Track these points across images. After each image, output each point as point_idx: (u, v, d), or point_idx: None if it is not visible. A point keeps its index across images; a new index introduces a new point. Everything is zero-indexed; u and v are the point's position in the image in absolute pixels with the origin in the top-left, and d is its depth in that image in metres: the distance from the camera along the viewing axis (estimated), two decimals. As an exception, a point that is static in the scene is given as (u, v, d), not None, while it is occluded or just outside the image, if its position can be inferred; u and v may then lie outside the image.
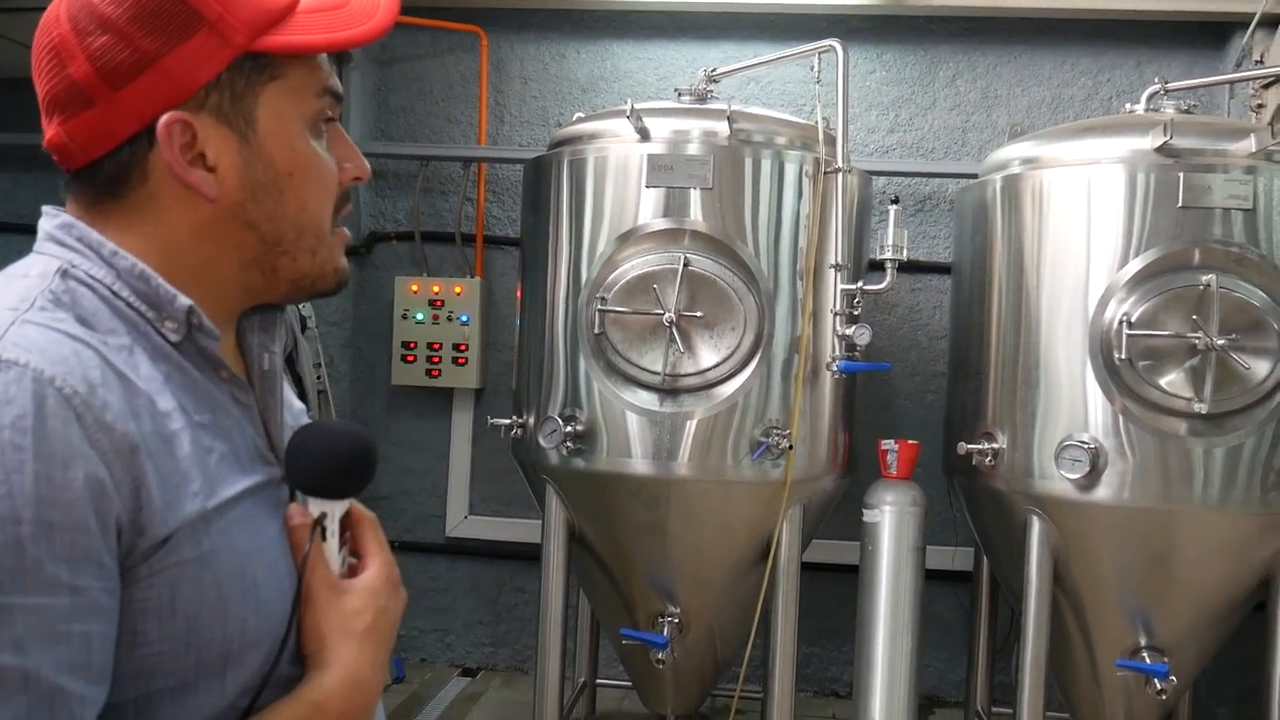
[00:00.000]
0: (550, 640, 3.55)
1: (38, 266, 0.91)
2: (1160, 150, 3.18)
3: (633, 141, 3.40)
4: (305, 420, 1.11)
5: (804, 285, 3.37)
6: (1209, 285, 3.07)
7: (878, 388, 4.54)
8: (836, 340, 3.33)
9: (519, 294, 3.84)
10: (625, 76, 4.87)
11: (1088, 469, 3.18)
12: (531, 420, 3.56)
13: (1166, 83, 3.63)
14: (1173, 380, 3.13)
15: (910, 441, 3.58)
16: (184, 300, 0.92)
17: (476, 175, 4.84)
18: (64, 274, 0.89)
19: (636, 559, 3.52)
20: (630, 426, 3.35)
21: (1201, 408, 3.10)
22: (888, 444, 3.56)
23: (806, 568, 3.59)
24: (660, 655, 3.46)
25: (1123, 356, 3.14)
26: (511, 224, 4.82)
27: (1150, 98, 3.61)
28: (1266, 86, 4.29)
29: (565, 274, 3.49)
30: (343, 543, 0.98)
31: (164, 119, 0.89)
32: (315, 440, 0.96)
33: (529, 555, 4.05)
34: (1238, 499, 3.18)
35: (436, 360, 4.70)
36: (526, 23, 4.88)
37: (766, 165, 3.39)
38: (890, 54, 4.77)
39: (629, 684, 3.89)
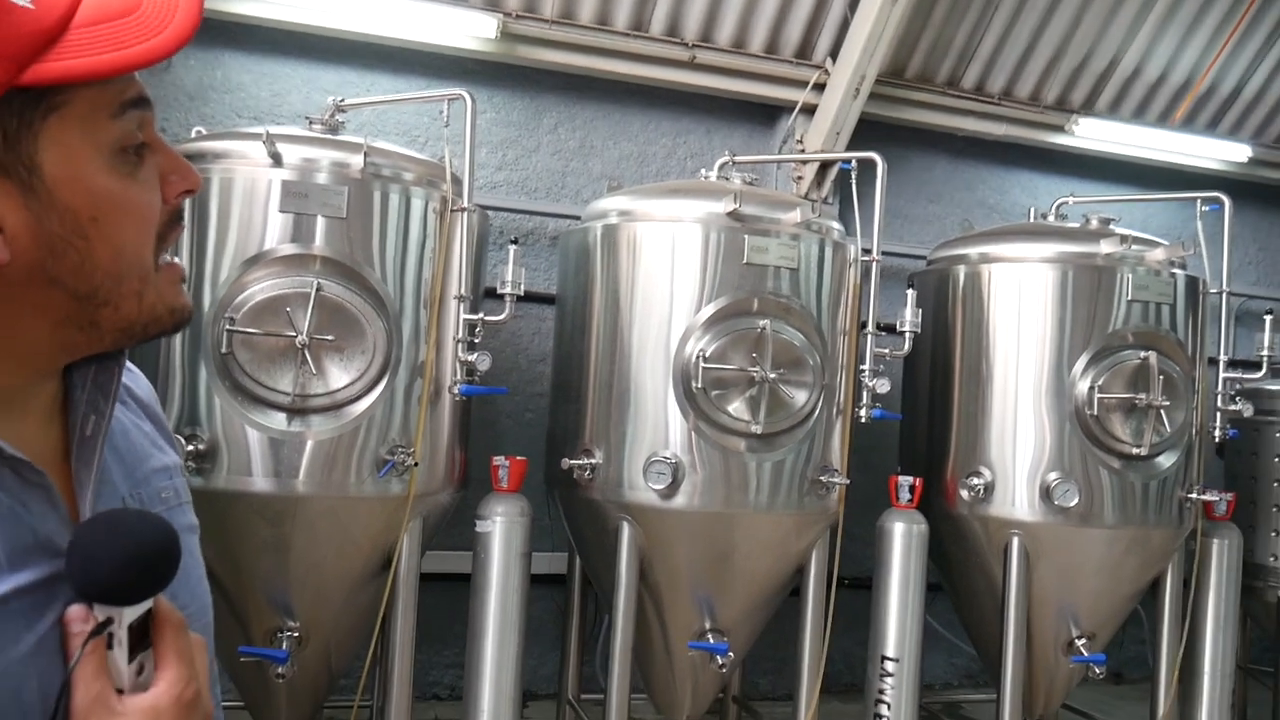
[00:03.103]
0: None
1: None
2: (731, 215, 3.82)
3: (264, 165, 3.45)
4: (163, 480, 1.01)
5: (429, 313, 3.61)
6: (764, 329, 3.75)
7: (484, 407, 4.87)
8: (459, 365, 3.62)
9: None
10: (237, 89, 4.81)
11: (670, 480, 3.73)
12: (143, 439, 3.46)
13: (734, 156, 4.33)
14: (737, 406, 3.77)
15: (519, 458, 3.93)
16: None
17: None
18: None
19: (256, 576, 3.54)
20: (254, 445, 3.39)
21: (757, 428, 3.77)
22: (499, 460, 3.89)
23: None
24: (280, 670, 3.52)
25: (698, 385, 3.73)
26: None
27: (721, 167, 4.29)
28: (804, 163, 5.23)
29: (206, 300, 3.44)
30: (140, 649, 0.84)
31: None
32: (99, 536, 0.82)
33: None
34: (781, 503, 3.89)
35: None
36: (129, 21, 4.65)
37: (395, 199, 3.59)
38: (500, 97, 5.15)
39: (240, 703, 3.87)
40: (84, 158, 0.79)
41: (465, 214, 3.66)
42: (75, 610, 0.81)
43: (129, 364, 0.97)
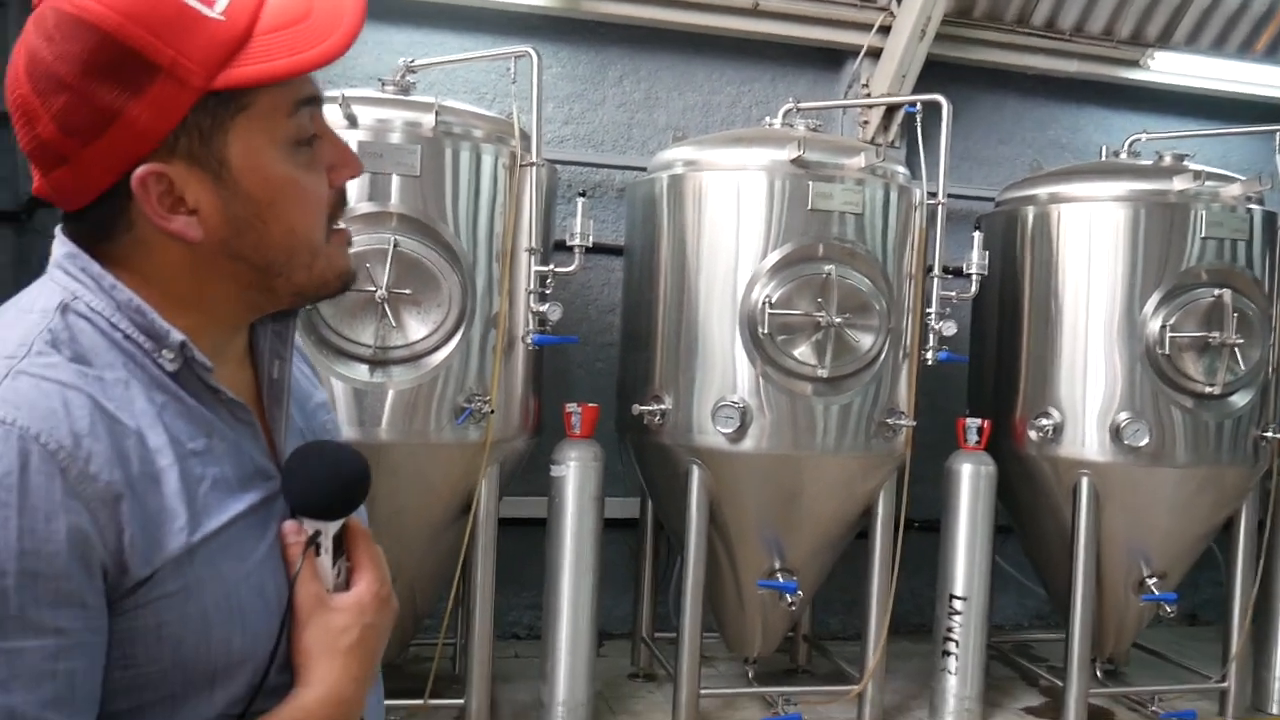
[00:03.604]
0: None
1: (42, 299, 0.93)
2: (794, 162, 3.85)
3: (340, 127, 3.56)
4: (324, 415, 1.18)
5: (500, 266, 3.73)
6: (830, 274, 3.79)
7: (556, 357, 5.00)
8: (531, 316, 3.73)
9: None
10: (311, 52, 4.92)
11: (738, 424, 3.82)
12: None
13: (799, 103, 4.35)
14: (803, 351, 3.83)
15: (591, 405, 4.05)
16: (177, 335, 0.93)
17: None
18: (64, 309, 0.92)
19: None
20: (339, 396, 3.55)
21: (823, 373, 3.83)
22: (572, 407, 4.01)
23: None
24: (369, 608, 3.70)
25: (765, 331, 3.80)
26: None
27: (786, 114, 4.31)
28: (869, 107, 5.20)
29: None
30: (339, 557, 1.00)
31: (137, 174, 0.89)
32: (310, 464, 0.99)
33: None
34: (848, 445, 3.95)
35: None
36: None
37: (466, 156, 3.69)
38: (565, 52, 5.21)
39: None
40: (264, 151, 0.93)
41: (534, 168, 3.75)
42: (289, 525, 0.99)
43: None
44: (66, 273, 0.95)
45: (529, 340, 3.75)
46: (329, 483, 0.98)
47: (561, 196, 4.91)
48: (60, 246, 0.97)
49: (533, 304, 3.73)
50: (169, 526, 0.88)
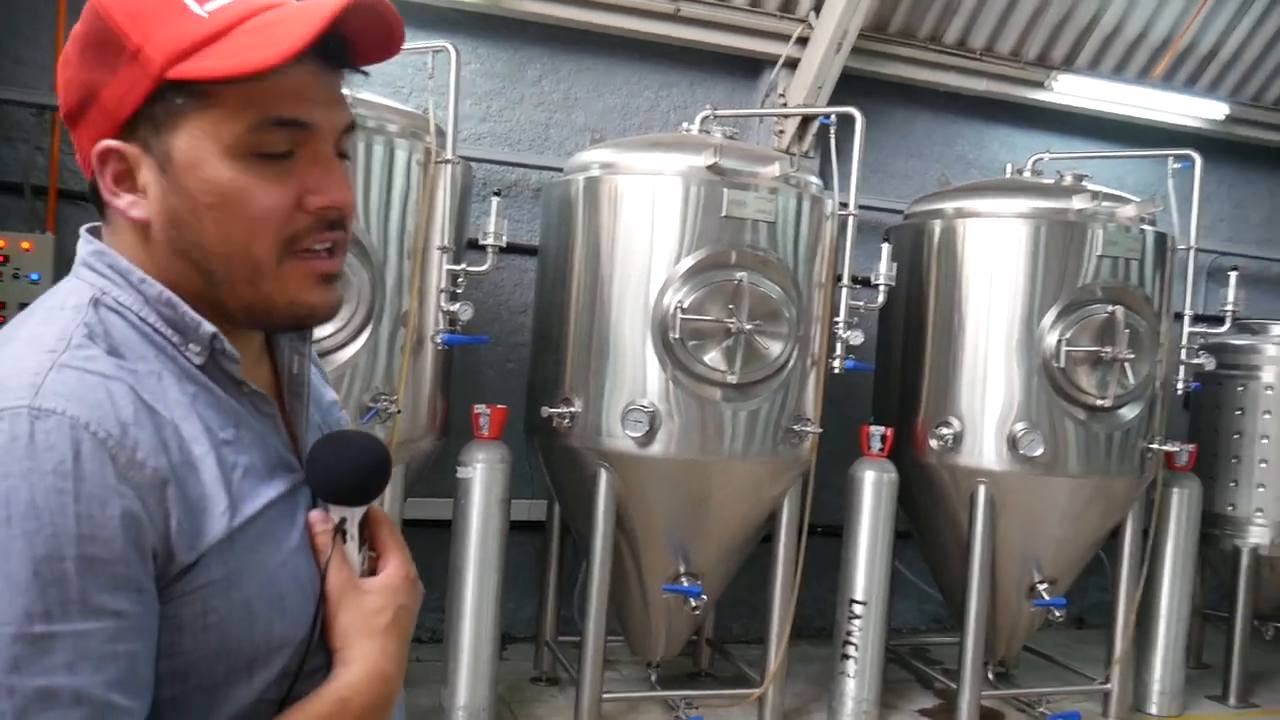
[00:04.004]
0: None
1: (73, 297, 0.95)
2: (711, 169, 3.88)
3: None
4: (337, 412, 1.19)
5: (411, 264, 3.68)
6: (741, 281, 3.83)
7: (466, 357, 4.95)
8: (441, 315, 3.69)
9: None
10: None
11: (647, 428, 3.83)
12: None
13: (716, 109, 4.38)
14: (713, 356, 3.86)
15: (500, 406, 4.02)
16: (208, 327, 0.95)
17: (51, 123, 4.55)
18: (96, 303, 0.94)
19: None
20: (240, 392, 3.46)
21: (733, 379, 3.87)
22: (480, 408, 3.98)
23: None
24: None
25: (676, 336, 3.82)
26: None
27: (703, 120, 4.34)
28: (785, 117, 5.27)
29: None
30: (362, 543, 1.03)
31: (97, 148, 0.94)
32: (334, 452, 1.01)
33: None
34: (755, 451, 4.00)
35: (1, 321, 4.37)
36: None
37: (379, 151, 3.63)
38: (484, 49, 5.16)
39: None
40: (209, 152, 0.92)
41: (449, 165, 3.71)
42: (315, 513, 1.01)
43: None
44: (93, 269, 0.98)
45: (439, 340, 3.71)
46: (352, 470, 1.00)
47: (476, 195, 4.87)
48: (85, 245, 1.00)
49: (444, 303, 3.69)
50: (212, 512, 0.91)
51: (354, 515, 1.01)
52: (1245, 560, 5.13)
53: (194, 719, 0.92)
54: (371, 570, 1.03)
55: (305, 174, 0.95)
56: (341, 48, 0.96)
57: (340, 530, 1.00)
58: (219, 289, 0.96)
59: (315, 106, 0.95)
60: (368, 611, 0.99)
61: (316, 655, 0.97)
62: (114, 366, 0.90)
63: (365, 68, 1.02)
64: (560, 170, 4.49)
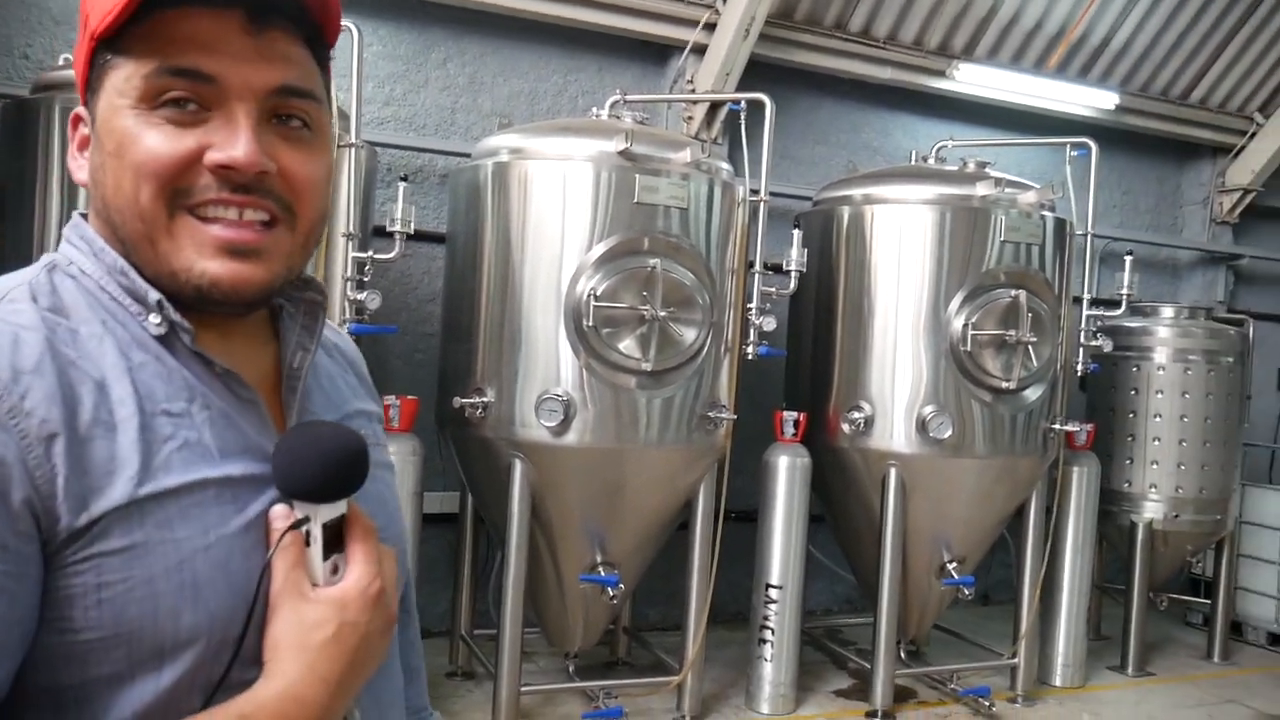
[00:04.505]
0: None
1: (40, 262, 0.97)
2: (622, 154, 3.84)
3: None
4: (364, 423, 1.10)
5: (316, 252, 3.55)
6: (655, 268, 3.80)
7: (374, 347, 4.82)
8: (348, 304, 3.58)
9: (-8, 244, 3.55)
10: (105, 15, 4.57)
11: (561, 417, 3.78)
12: None
13: (625, 95, 4.34)
14: (627, 344, 3.83)
15: (410, 397, 3.93)
16: (154, 294, 0.92)
17: None
18: (52, 268, 0.95)
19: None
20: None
21: (647, 366, 3.84)
22: (390, 400, 3.87)
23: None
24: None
25: (590, 324, 3.77)
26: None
27: (613, 105, 4.29)
28: (694, 103, 5.26)
29: (57, 221, 3.33)
30: (334, 550, 0.92)
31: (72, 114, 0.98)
32: (299, 441, 0.92)
33: None
34: (670, 438, 3.98)
35: None
36: (-17, -62, 4.39)
37: (279, 133, 3.49)
38: (386, 30, 5.03)
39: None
40: (119, 106, 0.91)
41: (353, 150, 3.60)
42: (278, 508, 0.92)
43: (340, 329, 1.18)
44: (69, 242, 0.98)
45: (345, 329, 3.59)
46: (316, 458, 0.90)
47: (381, 181, 4.75)
48: (69, 224, 1.01)
49: (350, 292, 3.58)
50: (118, 475, 0.85)
51: (319, 514, 0.90)
52: (1141, 534, 5.32)
53: (99, 715, 0.85)
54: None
55: (213, 131, 0.91)
56: (284, 6, 0.93)
57: (301, 529, 0.89)
58: (132, 254, 0.93)
59: (223, 59, 0.90)
60: (305, 623, 0.88)
61: (252, 666, 0.87)
62: (38, 320, 0.88)
63: (321, 43, 0.98)
64: (468, 156, 4.40)
